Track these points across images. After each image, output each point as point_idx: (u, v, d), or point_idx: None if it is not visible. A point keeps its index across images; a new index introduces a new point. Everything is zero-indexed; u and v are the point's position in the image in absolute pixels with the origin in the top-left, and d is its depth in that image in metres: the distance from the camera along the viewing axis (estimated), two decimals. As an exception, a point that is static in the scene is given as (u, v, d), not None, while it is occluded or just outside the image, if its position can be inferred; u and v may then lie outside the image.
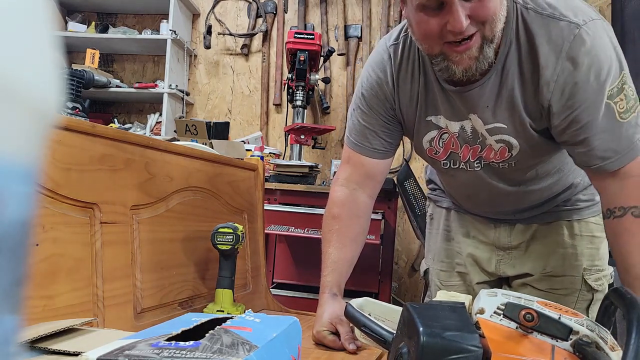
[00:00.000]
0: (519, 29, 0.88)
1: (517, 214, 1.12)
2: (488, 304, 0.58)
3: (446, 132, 1.01)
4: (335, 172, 2.58)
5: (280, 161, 2.46)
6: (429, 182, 1.33)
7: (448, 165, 1.05)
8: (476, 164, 1.02)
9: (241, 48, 3.19)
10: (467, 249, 1.19)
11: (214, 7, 3.25)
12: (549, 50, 0.85)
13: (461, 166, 1.04)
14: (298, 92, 2.61)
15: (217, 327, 0.52)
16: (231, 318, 0.56)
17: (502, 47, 0.89)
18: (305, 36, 2.53)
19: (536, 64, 0.87)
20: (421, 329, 0.53)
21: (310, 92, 2.71)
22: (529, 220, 1.13)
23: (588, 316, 1.07)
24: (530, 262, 1.13)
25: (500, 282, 1.20)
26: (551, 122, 0.89)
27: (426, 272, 1.28)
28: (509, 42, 0.89)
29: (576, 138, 0.88)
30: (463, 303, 0.62)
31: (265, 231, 1.58)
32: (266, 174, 2.21)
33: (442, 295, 0.66)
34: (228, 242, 1.01)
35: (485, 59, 0.85)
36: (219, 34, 3.22)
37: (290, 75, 2.62)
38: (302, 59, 2.50)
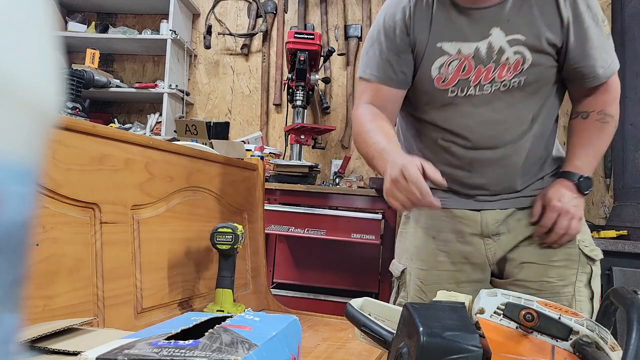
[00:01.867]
0: None
1: (499, 186, 1.15)
2: (488, 304, 0.58)
3: (456, 59, 1.10)
4: (335, 172, 2.60)
5: (280, 161, 2.46)
6: None
7: (455, 92, 1.11)
8: (486, 86, 1.09)
9: (241, 48, 3.19)
10: (455, 246, 1.19)
11: (214, 7, 3.25)
12: None
13: (469, 92, 1.10)
14: (298, 92, 2.61)
15: (217, 325, 0.52)
16: (230, 317, 0.56)
17: None
18: (305, 36, 2.54)
19: None
20: (421, 328, 0.53)
21: (310, 92, 2.71)
22: (511, 202, 1.16)
23: (592, 290, 1.10)
24: (522, 237, 1.15)
25: (490, 278, 1.20)
26: (568, 36, 1.09)
27: (403, 272, 1.25)
28: None
29: (583, 51, 1.08)
30: (463, 303, 0.62)
31: (265, 231, 1.58)
32: (266, 174, 2.21)
33: (442, 295, 0.66)
34: (227, 242, 1.01)
35: None
36: (219, 34, 3.22)
37: (290, 75, 2.62)
38: (302, 59, 2.50)
